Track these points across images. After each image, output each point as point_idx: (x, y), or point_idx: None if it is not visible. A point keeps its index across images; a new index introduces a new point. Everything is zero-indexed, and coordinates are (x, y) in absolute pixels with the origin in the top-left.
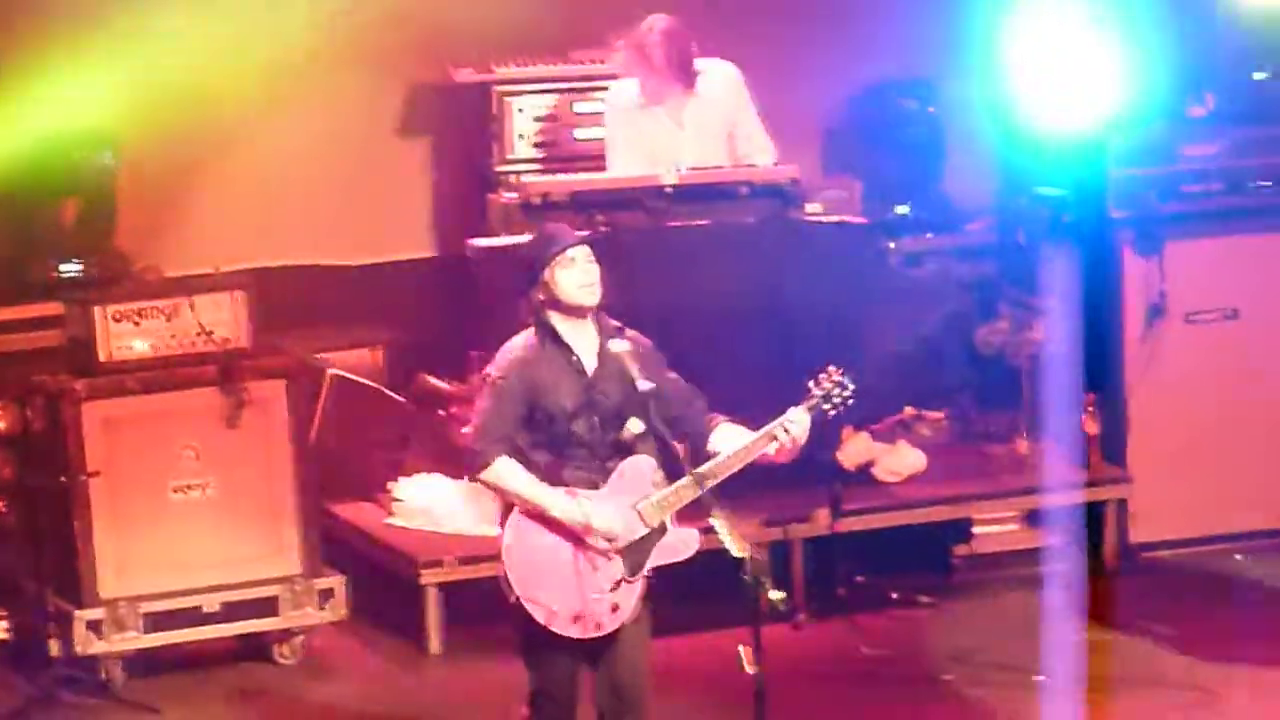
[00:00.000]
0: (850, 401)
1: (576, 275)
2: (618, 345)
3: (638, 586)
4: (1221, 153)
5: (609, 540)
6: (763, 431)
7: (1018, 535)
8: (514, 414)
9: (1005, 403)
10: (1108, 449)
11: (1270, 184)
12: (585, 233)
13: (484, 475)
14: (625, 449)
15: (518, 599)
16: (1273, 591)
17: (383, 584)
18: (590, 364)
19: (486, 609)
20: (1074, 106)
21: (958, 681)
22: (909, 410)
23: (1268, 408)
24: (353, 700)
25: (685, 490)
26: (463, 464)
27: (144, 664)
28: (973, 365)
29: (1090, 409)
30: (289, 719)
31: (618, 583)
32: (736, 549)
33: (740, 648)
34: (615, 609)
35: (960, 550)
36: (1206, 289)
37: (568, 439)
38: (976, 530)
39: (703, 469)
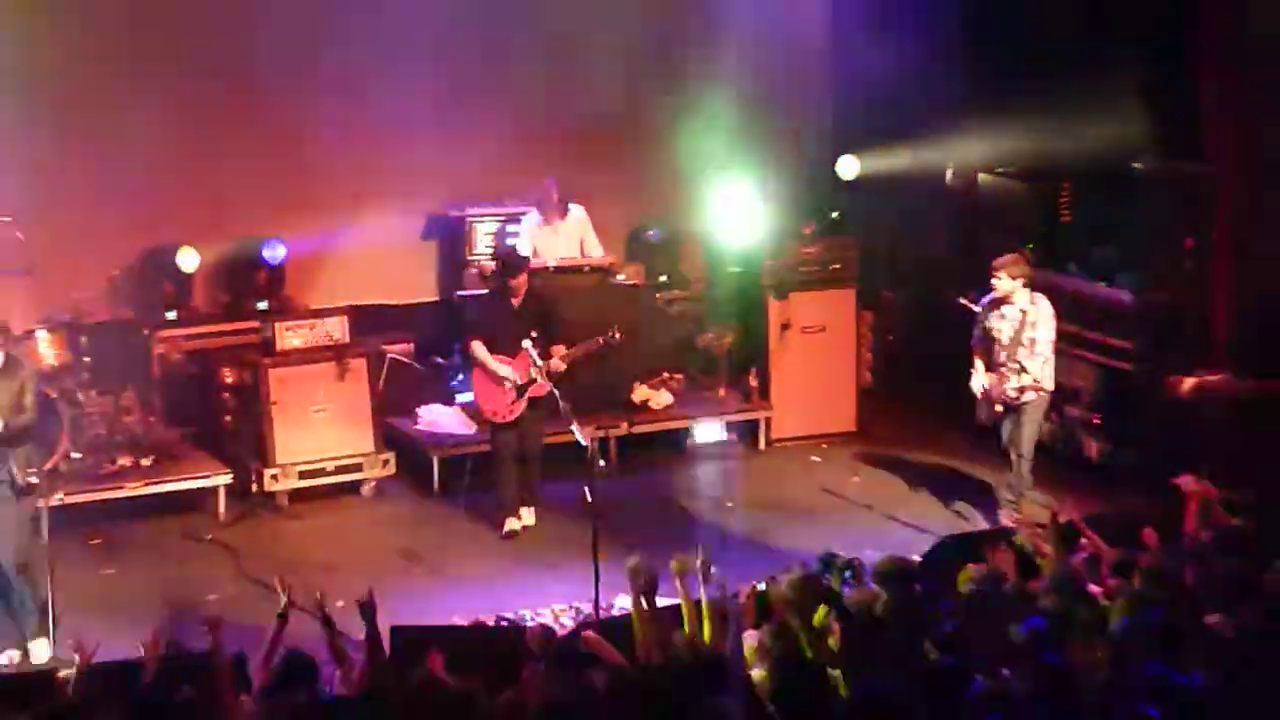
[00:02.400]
0: (620, 339)
1: (514, 284)
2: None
3: (524, 403)
4: (818, 250)
5: (508, 382)
6: (579, 346)
7: (719, 435)
8: (486, 322)
9: (713, 371)
10: (761, 393)
11: (840, 265)
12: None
13: (470, 348)
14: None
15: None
16: (832, 470)
17: (413, 457)
18: (516, 305)
19: (461, 471)
20: (747, 229)
21: (692, 508)
22: (665, 374)
23: (834, 373)
24: (398, 511)
25: (542, 369)
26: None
27: (298, 496)
28: (696, 353)
29: (753, 374)
30: (368, 519)
31: (512, 400)
32: (583, 440)
33: (585, 489)
34: (511, 410)
35: (691, 442)
36: (809, 315)
37: (506, 336)
38: (699, 432)
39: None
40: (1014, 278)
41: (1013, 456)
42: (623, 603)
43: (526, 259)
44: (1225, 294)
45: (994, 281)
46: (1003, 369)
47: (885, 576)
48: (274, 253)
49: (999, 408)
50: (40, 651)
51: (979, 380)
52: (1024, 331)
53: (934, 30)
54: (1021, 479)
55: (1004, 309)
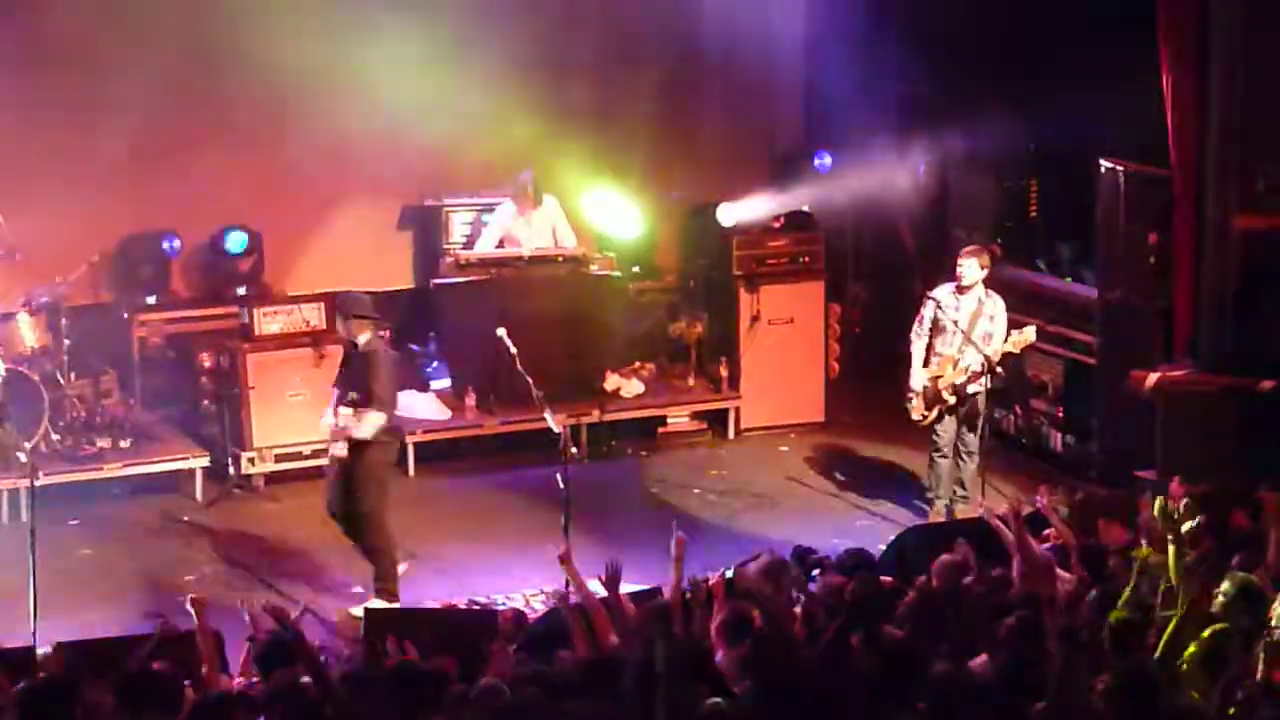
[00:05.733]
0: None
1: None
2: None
3: None
4: (787, 243)
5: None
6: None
7: (689, 424)
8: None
9: (684, 360)
10: (731, 383)
11: (808, 258)
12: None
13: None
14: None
15: None
16: (799, 459)
17: None
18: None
19: (436, 455)
20: (718, 221)
21: (662, 493)
22: (637, 363)
23: (801, 364)
24: None
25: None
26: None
27: (274, 479)
28: (664, 342)
29: (723, 365)
30: None
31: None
32: (555, 427)
33: (557, 475)
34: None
35: (661, 430)
36: (777, 306)
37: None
38: (669, 420)
39: None
40: (981, 267)
41: (963, 455)
42: (593, 587)
43: (364, 303)
44: (1187, 290)
45: (961, 269)
46: (942, 356)
47: (848, 567)
48: (251, 245)
49: (949, 397)
50: None
51: (919, 378)
52: (979, 324)
53: (907, 24)
54: (972, 478)
55: (961, 298)
